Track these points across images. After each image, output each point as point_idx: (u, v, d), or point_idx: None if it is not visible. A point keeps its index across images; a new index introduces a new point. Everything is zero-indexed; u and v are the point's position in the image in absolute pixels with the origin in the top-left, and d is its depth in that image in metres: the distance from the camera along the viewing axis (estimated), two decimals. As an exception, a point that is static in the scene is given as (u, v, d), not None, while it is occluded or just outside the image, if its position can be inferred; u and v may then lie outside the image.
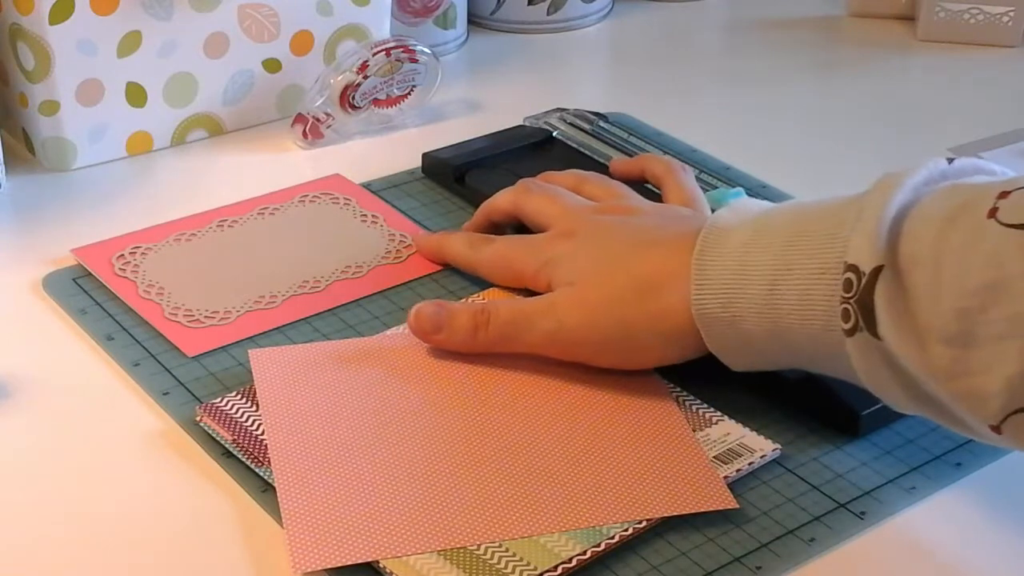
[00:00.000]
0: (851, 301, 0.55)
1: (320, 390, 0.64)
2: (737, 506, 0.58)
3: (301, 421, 0.62)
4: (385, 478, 0.59)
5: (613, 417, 0.63)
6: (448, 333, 0.66)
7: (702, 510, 0.58)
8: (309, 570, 0.55)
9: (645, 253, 0.65)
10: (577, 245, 0.68)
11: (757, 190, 0.82)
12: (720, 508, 0.58)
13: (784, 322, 0.59)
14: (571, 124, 0.88)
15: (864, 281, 0.55)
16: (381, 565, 0.55)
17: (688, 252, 0.63)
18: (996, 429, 0.52)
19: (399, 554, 0.55)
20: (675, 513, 0.58)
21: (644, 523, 0.57)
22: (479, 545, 0.56)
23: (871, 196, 0.57)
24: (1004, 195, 0.53)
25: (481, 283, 0.73)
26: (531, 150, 0.86)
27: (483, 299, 0.71)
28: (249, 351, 0.66)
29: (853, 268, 0.55)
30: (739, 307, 0.60)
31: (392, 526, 0.56)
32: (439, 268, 0.75)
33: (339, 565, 0.55)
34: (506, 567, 0.55)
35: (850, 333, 0.56)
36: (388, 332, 0.69)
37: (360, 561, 0.55)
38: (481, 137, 0.88)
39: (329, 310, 0.72)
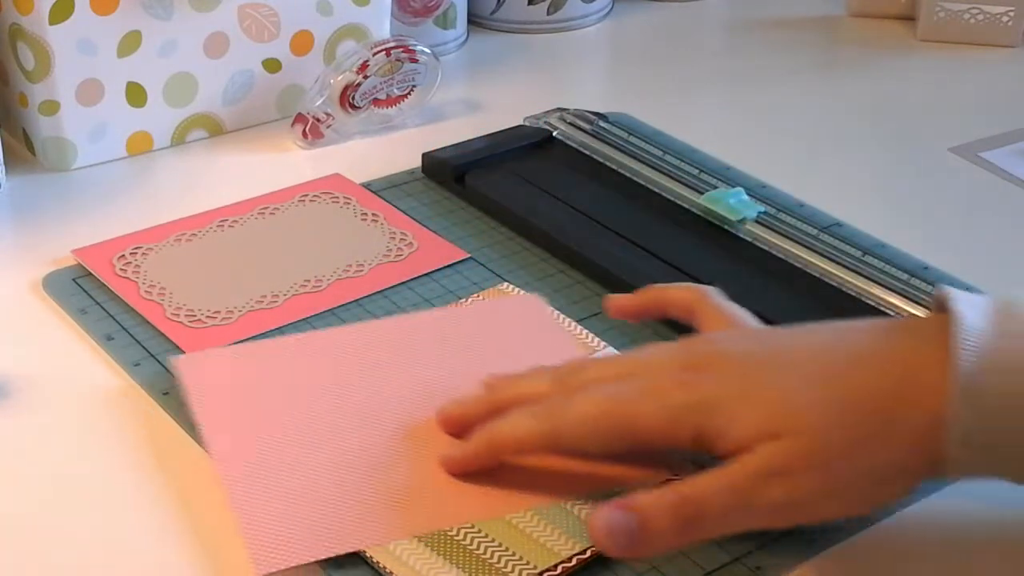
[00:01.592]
0: None
1: (252, 390, 0.64)
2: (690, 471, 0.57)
3: (238, 423, 0.62)
4: (334, 471, 0.59)
5: None
6: (648, 542, 0.53)
7: (664, 479, 0.58)
8: (272, 570, 0.55)
9: (853, 372, 0.53)
10: (726, 379, 0.55)
11: (757, 190, 0.82)
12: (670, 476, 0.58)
13: None
14: (571, 124, 0.88)
15: None
16: (382, 566, 0.55)
17: (909, 358, 0.53)
18: None
19: (362, 546, 0.55)
20: (638, 482, 0.58)
21: (644, 523, 0.57)
22: (479, 545, 0.56)
23: None
24: None
25: (483, 284, 0.73)
26: (531, 150, 0.86)
27: (483, 299, 0.71)
28: (172, 358, 0.66)
29: None
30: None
31: (350, 518, 0.57)
32: (441, 266, 0.75)
33: (301, 563, 0.55)
34: (506, 566, 0.55)
35: None
36: (316, 332, 0.69)
37: (323, 557, 0.55)
38: (481, 137, 0.88)
39: (330, 309, 0.72)
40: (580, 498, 0.58)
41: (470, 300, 0.71)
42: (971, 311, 0.53)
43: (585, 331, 0.69)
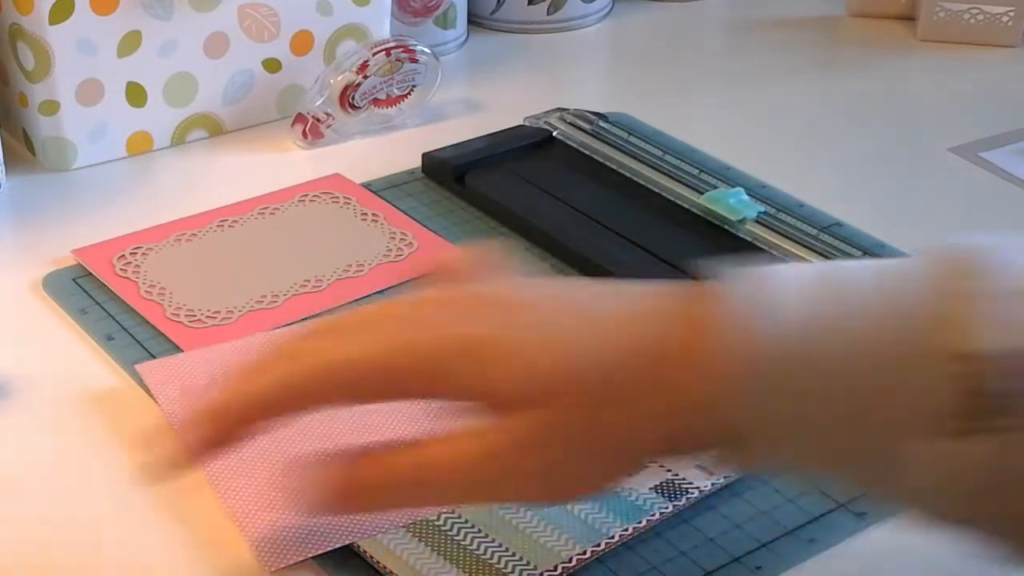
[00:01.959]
0: (982, 392, 0.44)
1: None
2: None
3: None
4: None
5: None
6: (373, 500, 0.51)
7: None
8: (280, 567, 0.55)
9: (628, 328, 0.48)
10: (487, 318, 0.49)
11: (757, 190, 0.82)
12: None
13: (858, 398, 0.45)
14: (571, 124, 0.88)
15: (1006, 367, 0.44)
16: (383, 566, 0.55)
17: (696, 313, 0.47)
18: None
19: (362, 537, 0.56)
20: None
21: (644, 523, 0.57)
22: (479, 545, 0.56)
23: (954, 267, 0.46)
24: None
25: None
26: (531, 150, 0.86)
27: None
28: (137, 366, 0.66)
29: (982, 357, 0.44)
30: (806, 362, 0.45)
31: None
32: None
33: (307, 556, 0.55)
34: (506, 567, 0.55)
35: (966, 432, 0.44)
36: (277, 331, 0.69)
37: (325, 549, 0.55)
38: (481, 137, 0.88)
39: (330, 309, 0.72)
40: None
41: None
42: (772, 275, 0.48)
43: None
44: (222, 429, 0.50)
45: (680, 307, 0.48)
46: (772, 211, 0.79)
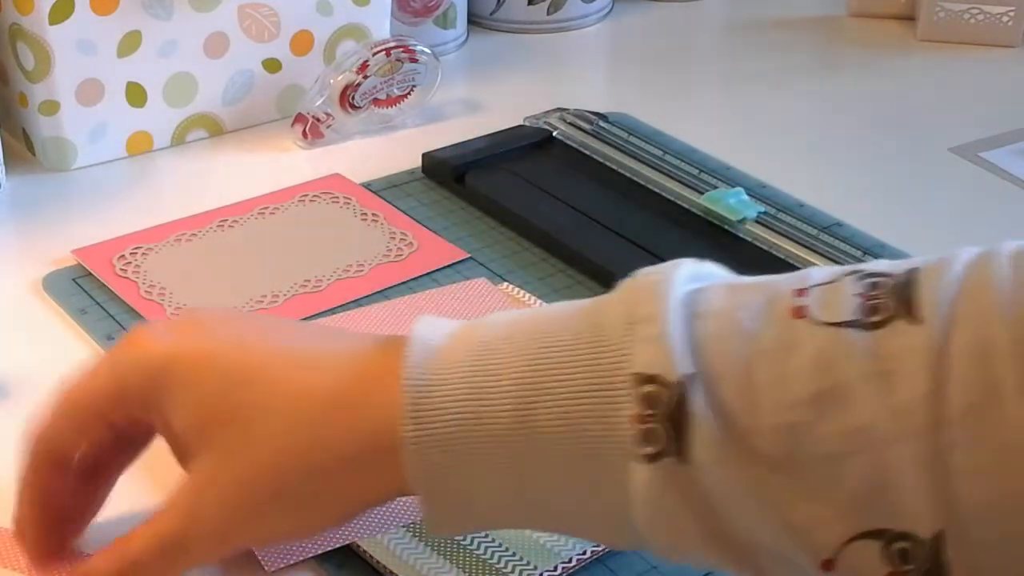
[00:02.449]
0: (658, 418, 0.44)
1: None
2: None
3: None
4: None
5: None
6: None
7: None
8: (280, 567, 0.55)
9: (296, 379, 0.49)
10: (181, 338, 0.51)
11: (757, 190, 0.82)
12: None
13: (536, 455, 0.46)
14: (571, 124, 0.88)
15: (676, 394, 0.44)
16: (383, 566, 0.55)
17: (368, 370, 0.48)
18: (829, 565, 0.43)
19: (362, 537, 0.56)
20: None
21: (644, 523, 0.57)
22: (479, 545, 0.56)
23: (636, 295, 0.47)
24: (801, 293, 0.45)
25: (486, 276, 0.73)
26: (531, 150, 0.86)
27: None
28: None
29: (653, 379, 0.44)
30: (472, 441, 0.46)
31: None
32: (441, 266, 0.75)
33: (307, 557, 0.55)
34: (506, 567, 0.55)
35: (653, 458, 0.44)
36: None
37: (328, 549, 0.55)
38: (481, 137, 0.88)
39: (330, 309, 0.72)
40: None
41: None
42: (429, 328, 0.49)
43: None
44: None
45: (357, 377, 0.49)
46: (772, 211, 0.79)
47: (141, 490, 0.60)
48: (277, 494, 0.48)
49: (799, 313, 0.44)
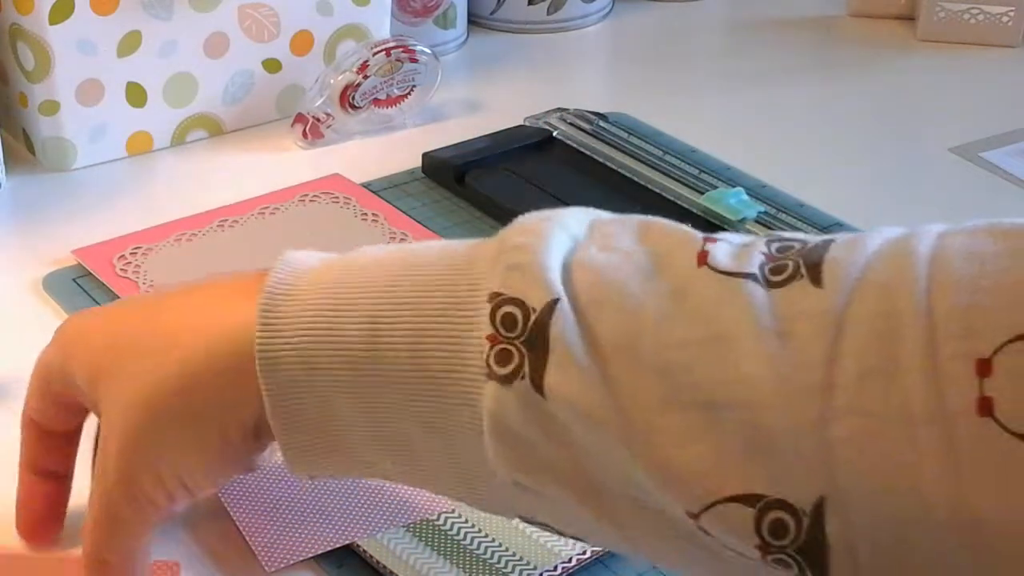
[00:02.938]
0: (516, 341, 0.42)
1: None
2: None
3: None
4: None
5: None
6: (94, 567, 0.51)
7: None
8: (282, 567, 0.55)
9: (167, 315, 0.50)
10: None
11: (757, 190, 0.82)
12: None
13: (383, 375, 0.45)
14: (571, 124, 0.88)
15: (535, 318, 0.42)
16: (383, 566, 0.55)
17: (243, 297, 0.49)
18: (696, 518, 0.41)
19: (362, 536, 0.56)
20: None
21: (644, 523, 0.57)
22: (479, 544, 0.56)
23: (515, 229, 0.47)
24: (709, 241, 0.44)
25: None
26: (531, 150, 0.86)
27: None
28: None
29: (516, 302, 0.43)
30: (321, 355, 0.45)
31: (344, 511, 0.57)
32: (439, 268, 0.75)
33: (306, 557, 0.55)
34: (506, 567, 0.55)
35: (505, 380, 0.42)
36: None
37: (328, 549, 0.56)
38: (481, 137, 0.88)
39: (329, 310, 0.72)
40: None
41: None
42: (306, 254, 0.50)
43: None
44: None
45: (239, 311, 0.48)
46: (772, 211, 0.79)
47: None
48: (158, 417, 0.48)
49: (701, 259, 0.43)
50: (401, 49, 0.89)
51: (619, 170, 0.84)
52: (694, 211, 0.79)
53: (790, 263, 0.42)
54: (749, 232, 0.77)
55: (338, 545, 0.56)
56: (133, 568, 0.51)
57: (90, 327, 0.53)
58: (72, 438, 0.56)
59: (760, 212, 0.78)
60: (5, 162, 0.84)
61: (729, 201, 0.78)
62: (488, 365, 0.43)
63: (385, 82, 0.89)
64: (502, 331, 0.43)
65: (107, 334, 0.51)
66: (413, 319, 0.44)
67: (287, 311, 0.46)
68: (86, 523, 0.51)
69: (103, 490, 0.50)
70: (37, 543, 0.56)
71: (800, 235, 0.45)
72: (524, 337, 0.42)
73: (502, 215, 0.80)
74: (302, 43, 0.91)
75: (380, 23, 0.93)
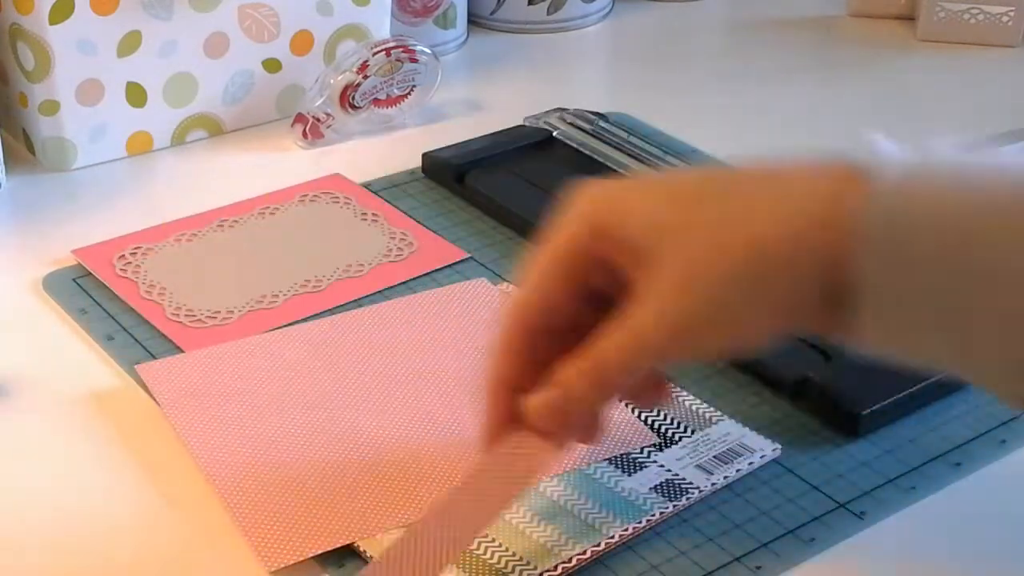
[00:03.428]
0: None
1: (224, 391, 0.65)
2: (657, 440, 0.61)
3: (215, 424, 0.62)
4: (321, 464, 0.60)
5: None
6: (576, 409, 0.54)
7: (627, 450, 0.61)
8: (281, 566, 0.55)
9: (762, 209, 0.50)
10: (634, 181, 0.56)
11: (757, 190, 0.82)
12: (644, 444, 0.61)
13: (981, 244, 0.47)
14: (571, 124, 0.88)
15: None
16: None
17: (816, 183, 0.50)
18: None
19: (362, 536, 0.56)
20: (605, 456, 0.60)
21: (644, 523, 0.57)
22: (479, 544, 0.56)
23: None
24: None
25: (472, 274, 0.73)
26: (531, 150, 0.86)
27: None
28: (137, 366, 0.66)
29: None
30: (924, 210, 0.48)
31: (344, 509, 0.57)
32: (441, 266, 0.75)
33: (306, 556, 0.55)
34: (506, 567, 0.55)
35: None
36: (277, 331, 0.70)
37: (328, 548, 0.56)
38: (481, 137, 0.88)
39: (330, 309, 0.72)
40: (549, 476, 0.59)
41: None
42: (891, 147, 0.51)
43: None
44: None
45: (828, 187, 0.49)
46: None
47: (142, 491, 0.60)
48: (735, 266, 0.49)
49: None
50: (401, 49, 0.89)
51: (619, 170, 0.84)
52: (694, 211, 0.79)
53: None
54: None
55: (338, 545, 0.56)
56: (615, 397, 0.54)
57: (648, 187, 0.53)
58: (555, 341, 0.54)
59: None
60: (5, 162, 0.84)
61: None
62: None
63: (385, 82, 0.89)
64: None
65: (664, 192, 0.52)
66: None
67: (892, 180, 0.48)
68: (611, 335, 0.51)
69: (655, 325, 0.50)
70: None
71: None
72: None
73: (502, 215, 0.80)
74: (302, 43, 0.91)
75: (380, 23, 0.93)
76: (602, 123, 0.88)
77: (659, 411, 0.63)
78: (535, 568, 0.55)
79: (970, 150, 0.51)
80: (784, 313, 0.50)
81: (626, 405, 0.63)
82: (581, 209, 0.53)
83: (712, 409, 0.64)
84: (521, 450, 0.55)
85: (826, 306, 0.49)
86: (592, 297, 0.54)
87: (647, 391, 0.57)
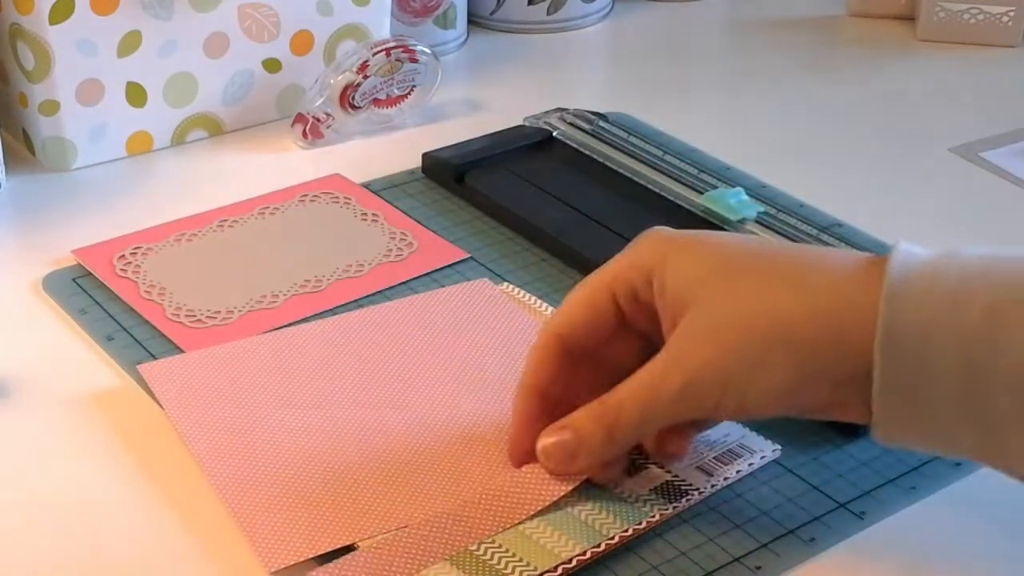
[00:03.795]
0: None
1: (225, 391, 0.64)
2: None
3: (216, 424, 0.62)
4: (322, 465, 0.60)
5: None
6: (585, 453, 0.56)
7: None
8: (282, 566, 0.55)
9: (792, 292, 0.53)
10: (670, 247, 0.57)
11: (757, 190, 0.82)
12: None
13: (992, 360, 0.49)
14: (571, 124, 0.88)
15: None
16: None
17: (858, 280, 0.52)
18: None
19: (362, 537, 0.56)
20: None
21: (644, 523, 0.57)
22: (479, 545, 0.56)
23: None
24: None
25: (470, 273, 0.73)
26: (531, 150, 0.86)
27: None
28: (138, 366, 0.66)
29: None
30: (940, 324, 0.50)
31: (345, 510, 0.57)
32: (440, 266, 0.75)
33: (306, 558, 0.55)
34: (506, 567, 0.55)
35: None
36: (279, 331, 0.70)
37: (325, 550, 0.56)
38: (481, 137, 0.88)
39: (330, 309, 0.72)
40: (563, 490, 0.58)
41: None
42: (910, 248, 0.53)
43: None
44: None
45: (857, 277, 0.52)
46: (772, 211, 0.78)
47: (142, 492, 0.60)
48: (744, 347, 0.52)
49: None
50: (401, 49, 0.89)
51: (619, 170, 0.84)
52: (694, 211, 0.79)
53: None
54: (749, 232, 0.77)
55: (338, 545, 0.56)
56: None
57: (700, 240, 0.56)
58: (589, 362, 0.58)
59: (760, 212, 0.78)
60: (5, 162, 0.84)
61: (729, 201, 0.78)
62: None
63: (385, 82, 0.89)
64: None
65: (716, 255, 0.55)
66: None
67: (910, 285, 0.50)
68: (629, 386, 0.54)
69: (680, 376, 0.53)
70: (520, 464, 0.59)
71: None
72: None
73: (502, 215, 0.80)
74: (302, 43, 0.91)
75: (380, 23, 0.93)
76: (602, 123, 0.88)
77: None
78: (535, 568, 0.55)
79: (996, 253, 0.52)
80: (793, 391, 0.53)
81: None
82: (640, 250, 0.56)
83: (712, 409, 0.64)
84: (534, 475, 0.57)
85: (837, 391, 0.52)
86: (637, 338, 0.57)
87: (667, 447, 0.59)
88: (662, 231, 0.57)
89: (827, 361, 0.51)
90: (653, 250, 0.56)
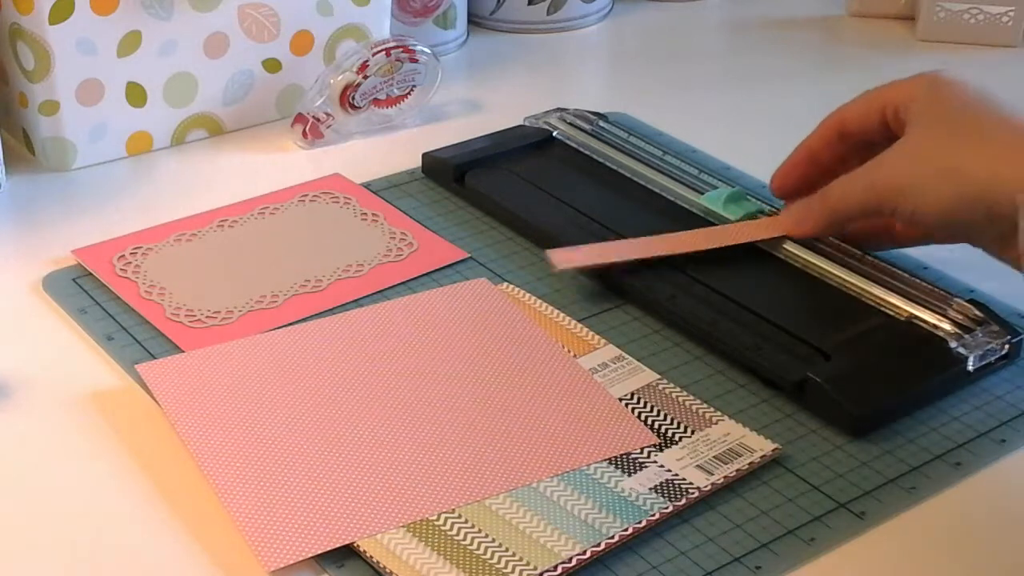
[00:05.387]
0: None
1: (224, 391, 0.65)
2: (657, 440, 0.61)
3: (215, 424, 0.62)
4: (321, 464, 0.60)
5: (520, 377, 0.66)
6: (812, 221, 0.73)
7: (626, 451, 0.61)
8: (280, 566, 0.55)
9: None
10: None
11: (757, 190, 0.82)
12: (644, 445, 0.61)
13: None
14: (571, 124, 0.88)
15: None
16: (383, 566, 0.55)
17: None
18: None
19: (361, 536, 0.56)
20: (604, 457, 0.61)
21: (644, 522, 0.57)
22: (479, 545, 0.56)
23: None
24: None
25: (463, 274, 0.73)
26: (531, 150, 0.86)
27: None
28: (137, 366, 0.66)
29: None
30: None
31: (344, 510, 0.58)
32: (440, 266, 0.75)
33: (304, 557, 0.55)
34: (506, 567, 0.55)
35: None
36: (276, 331, 0.70)
37: (324, 549, 0.56)
38: (481, 137, 0.88)
39: (330, 309, 0.72)
40: (549, 476, 0.59)
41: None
42: None
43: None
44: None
45: None
46: (772, 211, 0.78)
47: (141, 491, 0.60)
48: (936, 170, 0.65)
49: None
50: (401, 49, 0.89)
51: (619, 170, 0.84)
52: (694, 211, 0.79)
53: None
54: (749, 232, 0.77)
55: (338, 545, 0.56)
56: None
57: (944, 91, 0.70)
58: (859, 153, 0.72)
59: (760, 212, 0.78)
60: (5, 162, 0.84)
61: (729, 201, 0.78)
62: None
63: (385, 82, 0.89)
64: None
65: (947, 95, 0.70)
66: None
67: None
68: (844, 182, 0.70)
69: (871, 166, 0.68)
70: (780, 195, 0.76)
71: None
72: None
73: (502, 215, 0.80)
74: (302, 43, 0.91)
75: (380, 23, 0.93)
76: (602, 123, 0.88)
77: (659, 411, 0.64)
78: (535, 568, 0.55)
79: None
80: (954, 212, 0.64)
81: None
82: (911, 80, 0.73)
83: (712, 409, 0.64)
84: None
85: (994, 224, 0.63)
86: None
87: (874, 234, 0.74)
88: (940, 75, 0.71)
89: (986, 199, 0.63)
90: (917, 83, 0.71)
